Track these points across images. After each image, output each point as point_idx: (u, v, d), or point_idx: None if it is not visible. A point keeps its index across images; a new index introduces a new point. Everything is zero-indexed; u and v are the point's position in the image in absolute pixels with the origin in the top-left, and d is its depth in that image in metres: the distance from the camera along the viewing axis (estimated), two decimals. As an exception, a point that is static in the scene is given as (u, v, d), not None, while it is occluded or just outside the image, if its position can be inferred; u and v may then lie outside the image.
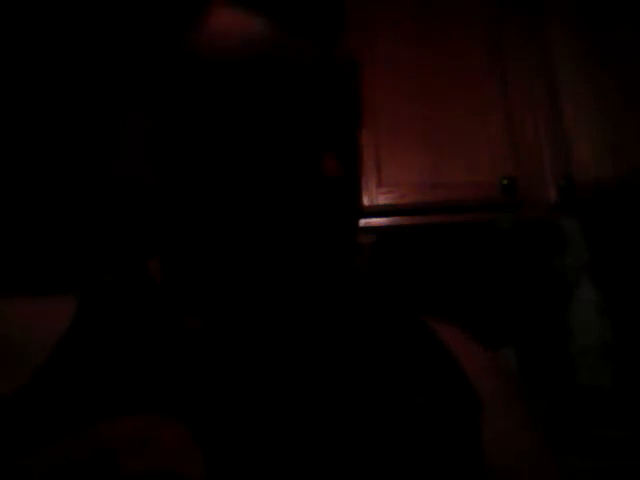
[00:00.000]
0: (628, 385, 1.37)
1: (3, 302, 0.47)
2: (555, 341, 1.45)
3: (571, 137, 1.51)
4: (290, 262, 0.44)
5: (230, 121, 0.42)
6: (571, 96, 1.53)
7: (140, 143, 0.52)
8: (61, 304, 0.47)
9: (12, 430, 0.39)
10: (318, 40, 0.43)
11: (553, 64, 1.56)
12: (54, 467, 0.36)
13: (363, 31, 1.54)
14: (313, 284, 0.46)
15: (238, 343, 0.46)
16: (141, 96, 0.53)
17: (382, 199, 1.48)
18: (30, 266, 1.49)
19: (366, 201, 1.48)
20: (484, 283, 1.54)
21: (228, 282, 0.47)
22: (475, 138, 1.52)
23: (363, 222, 1.49)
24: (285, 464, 0.40)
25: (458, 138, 1.52)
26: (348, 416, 0.43)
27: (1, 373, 0.42)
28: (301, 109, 0.42)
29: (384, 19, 1.59)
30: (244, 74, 0.41)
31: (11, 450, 0.38)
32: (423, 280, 1.59)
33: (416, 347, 0.51)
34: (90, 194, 1.61)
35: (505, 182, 1.45)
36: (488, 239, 1.54)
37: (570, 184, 1.46)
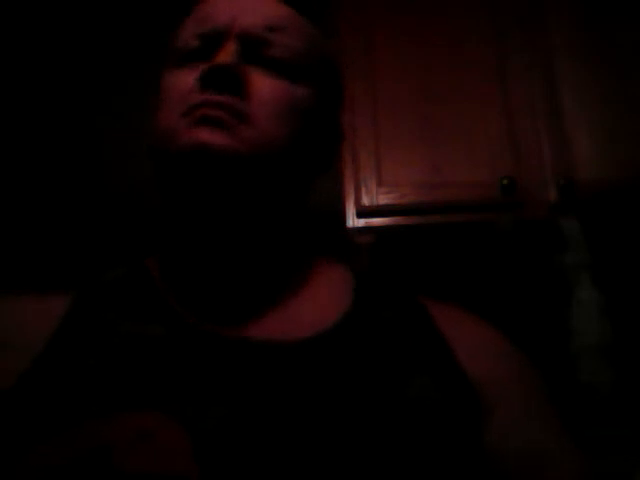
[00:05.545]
0: (628, 385, 1.37)
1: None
2: (555, 341, 1.45)
3: (571, 137, 1.51)
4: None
5: None
6: (571, 96, 1.53)
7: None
8: (57, 300, 0.47)
9: (6, 425, 0.39)
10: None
11: (553, 64, 1.56)
12: (50, 465, 0.36)
13: (363, 31, 1.54)
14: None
15: (231, 342, 0.46)
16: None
17: (382, 199, 1.48)
18: (30, 263, 1.49)
19: (366, 201, 1.48)
20: (484, 283, 1.54)
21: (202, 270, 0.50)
22: (475, 138, 1.52)
23: (363, 222, 1.49)
24: (278, 466, 0.39)
25: (458, 138, 1.52)
26: (341, 417, 0.42)
27: None
28: None
29: (384, 19, 1.59)
30: None
31: (7, 447, 0.38)
32: (423, 280, 1.59)
33: (411, 335, 0.51)
34: (91, 194, 1.61)
35: (505, 182, 1.45)
36: (488, 239, 1.54)
37: (570, 184, 1.46)
